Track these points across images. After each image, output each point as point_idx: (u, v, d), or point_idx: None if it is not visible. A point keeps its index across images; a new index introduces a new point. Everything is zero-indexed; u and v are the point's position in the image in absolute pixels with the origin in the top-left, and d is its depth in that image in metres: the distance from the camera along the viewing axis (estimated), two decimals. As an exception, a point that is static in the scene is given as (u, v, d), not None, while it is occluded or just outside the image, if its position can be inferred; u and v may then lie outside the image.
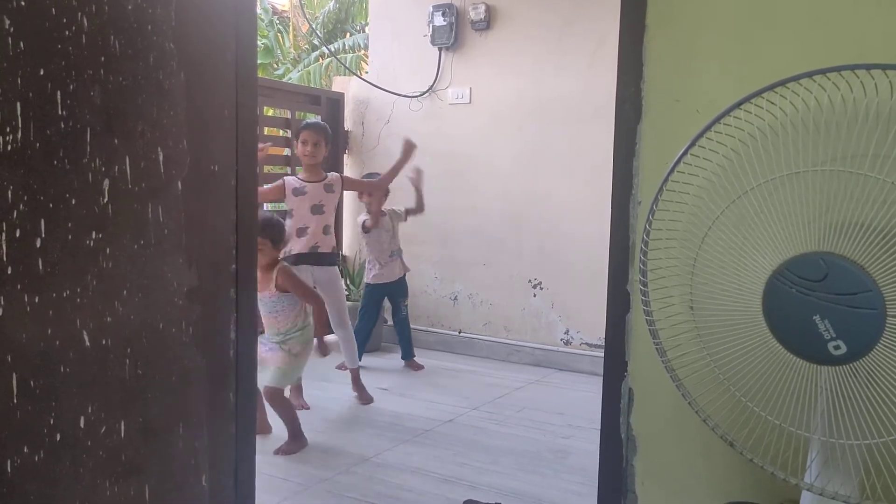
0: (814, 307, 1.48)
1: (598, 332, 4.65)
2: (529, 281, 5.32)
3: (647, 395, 2.10)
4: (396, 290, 5.13)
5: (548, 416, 4.11)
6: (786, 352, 1.54)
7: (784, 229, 1.56)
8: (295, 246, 4.21)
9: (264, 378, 3.50)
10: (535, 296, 5.31)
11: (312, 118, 5.99)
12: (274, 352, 3.62)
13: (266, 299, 3.61)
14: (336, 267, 4.36)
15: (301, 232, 4.21)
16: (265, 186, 4.21)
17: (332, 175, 4.39)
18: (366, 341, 5.14)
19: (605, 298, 2.18)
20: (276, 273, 3.61)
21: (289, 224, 4.21)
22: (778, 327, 1.54)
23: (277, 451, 3.46)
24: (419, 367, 5.10)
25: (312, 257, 4.22)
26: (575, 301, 5.12)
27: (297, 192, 4.21)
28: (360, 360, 4.84)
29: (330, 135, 4.37)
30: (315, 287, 4.21)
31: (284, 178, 4.33)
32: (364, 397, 4.33)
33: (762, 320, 1.56)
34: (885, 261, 1.43)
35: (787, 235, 1.56)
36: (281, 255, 4.18)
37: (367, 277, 5.09)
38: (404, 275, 5.15)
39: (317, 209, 4.23)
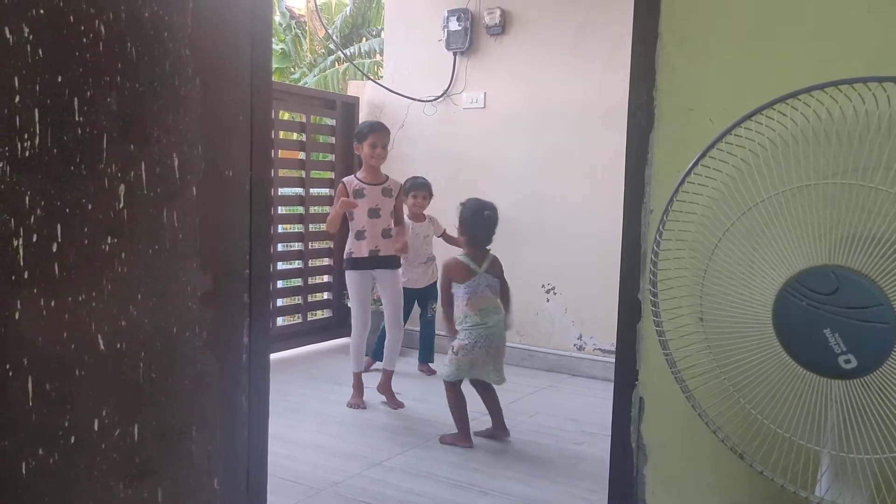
0: (824, 320, 1.47)
1: (611, 338, 4.62)
2: (543, 286, 5.31)
3: (658, 405, 2.10)
4: (426, 294, 5.18)
5: (560, 421, 4.10)
6: (796, 365, 1.54)
7: (795, 241, 1.56)
8: (354, 249, 4.24)
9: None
10: (548, 301, 5.31)
11: (327, 122, 6.01)
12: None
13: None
14: (398, 270, 4.39)
15: (360, 235, 4.24)
16: (334, 208, 4.26)
17: (393, 180, 4.39)
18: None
19: (617, 306, 2.17)
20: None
21: (350, 225, 4.29)
22: (788, 340, 1.54)
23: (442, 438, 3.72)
24: (431, 372, 5.11)
25: (372, 261, 4.25)
26: (588, 306, 5.11)
27: (357, 194, 4.23)
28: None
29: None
30: (375, 287, 4.36)
31: (343, 180, 4.34)
32: (393, 402, 4.36)
33: (772, 333, 1.56)
34: (896, 274, 1.43)
35: (797, 248, 1.55)
36: (345, 256, 4.31)
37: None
38: (435, 281, 5.18)
39: (373, 213, 4.23)
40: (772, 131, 1.66)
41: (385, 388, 4.40)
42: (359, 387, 4.35)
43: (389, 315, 4.40)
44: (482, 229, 3.76)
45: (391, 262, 4.31)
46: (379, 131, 4.29)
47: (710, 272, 1.71)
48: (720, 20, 1.95)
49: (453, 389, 3.74)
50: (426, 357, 5.21)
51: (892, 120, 1.54)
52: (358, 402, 4.30)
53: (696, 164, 1.72)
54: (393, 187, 4.34)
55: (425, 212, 5.06)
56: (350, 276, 4.30)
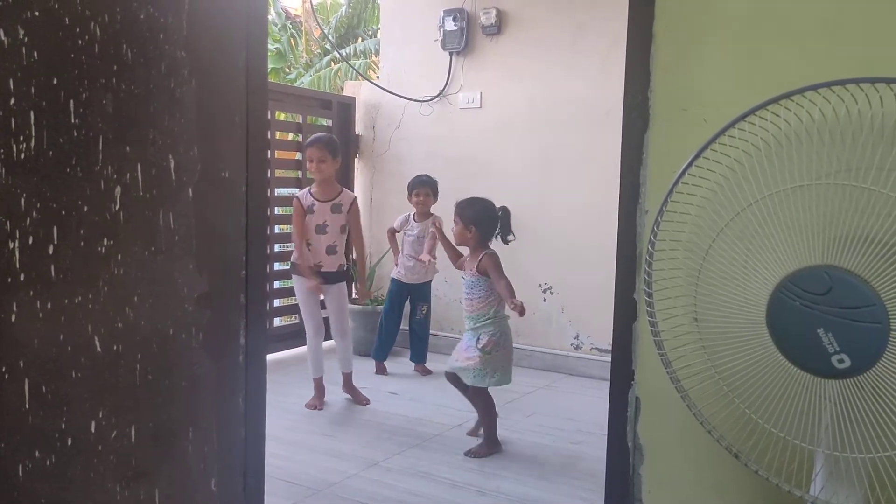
0: (818, 320, 1.48)
1: (608, 337, 4.60)
2: (540, 285, 5.32)
3: (654, 404, 2.11)
4: (417, 293, 5.17)
5: (557, 421, 4.11)
6: (790, 364, 1.55)
7: (788, 242, 1.57)
8: (307, 258, 4.23)
9: (466, 377, 3.62)
10: (545, 300, 5.31)
11: (323, 122, 6.01)
12: (470, 350, 3.64)
13: (466, 278, 3.74)
14: (343, 283, 4.38)
15: (309, 247, 4.25)
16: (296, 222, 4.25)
17: (345, 194, 4.35)
18: (393, 342, 5.20)
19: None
20: (482, 256, 3.69)
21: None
22: (782, 340, 1.54)
23: (468, 453, 3.55)
24: (427, 372, 5.11)
25: (317, 275, 4.24)
26: (585, 305, 5.12)
27: (308, 209, 4.23)
28: (385, 359, 5.10)
29: (336, 146, 4.30)
30: (322, 296, 4.31)
31: (297, 194, 4.32)
32: (358, 398, 4.34)
33: (766, 333, 1.57)
34: (889, 275, 1.43)
35: (791, 248, 1.56)
36: (292, 260, 4.28)
37: (393, 272, 5.18)
38: (430, 281, 5.21)
39: (320, 229, 4.22)
40: (765, 132, 1.67)
41: (348, 387, 4.40)
42: (319, 390, 4.33)
43: (334, 325, 4.38)
44: (497, 226, 3.80)
45: (335, 277, 4.29)
46: (312, 145, 4.23)
47: (705, 273, 1.71)
48: (714, 21, 1.95)
49: (487, 394, 3.70)
50: (420, 357, 5.20)
51: (884, 120, 1.55)
52: (317, 402, 4.29)
53: (690, 164, 1.73)
54: (344, 202, 4.30)
55: (432, 210, 5.03)
56: (297, 283, 4.28)
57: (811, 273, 1.51)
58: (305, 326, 4.34)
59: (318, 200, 4.24)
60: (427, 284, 5.19)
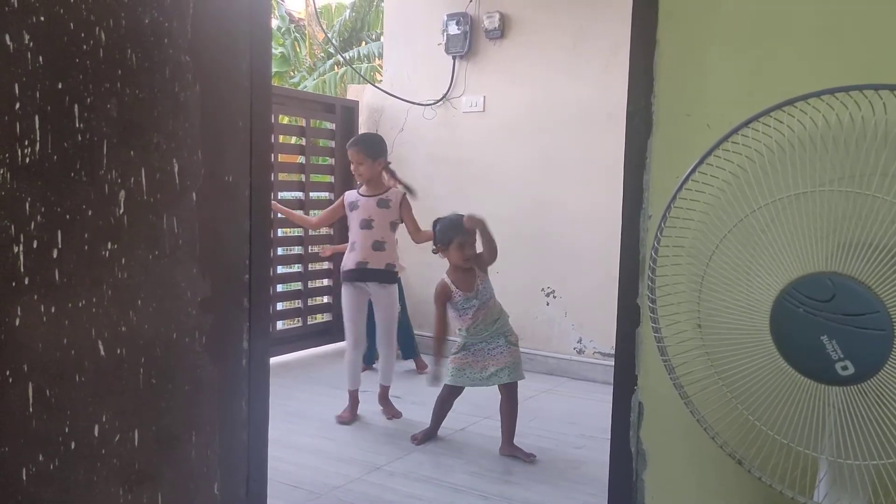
0: (821, 327, 1.48)
1: (611, 341, 4.59)
2: (542, 289, 5.31)
3: (658, 410, 2.10)
4: None
5: (560, 425, 4.10)
6: (794, 371, 1.54)
7: (792, 248, 1.56)
8: (346, 261, 4.17)
9: (503, 377, 3.67)
10: (548, 304, 5.31)
11: (327, 126, 6.01)
12: (501, 349, 3.70)
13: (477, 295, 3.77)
14: (394, 285, 4.24)
15: (351, 247, 4.16)
16: (329, 208, 4.30)
17: (393, 191, 4.25)
18: (369, 342, 5.18)
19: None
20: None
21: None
22: (785, 347, 1.54)
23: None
24: (423, 366, 5.13)
25: (361, 273, 4.11)
26: (588, 309, 5.11)
27: (352, 206, 4.16)
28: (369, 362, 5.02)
29: (370, 147, 4.17)
30: (371, 302, 4.23)
31: (345, 192, 4.30)
32: (389, 412, 4.27)
33: (769, 339, 1.56)
34: (893, 281, 1.43)
35: (794, 255, 1.56)
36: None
37: None
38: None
39: (365, 224, 4.12)
40: (769, 138, 1.67)
41: (383, 399, 4.31)
42: (353, 402, 4.22)
43: (380, 335, 4.27)
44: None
45: (382, 277, 4.15)
46: (349, 148, 4.19)
47: (708, 278, 1.71)
48: (718, 27, 1.95)
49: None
50: (409, 352, 5.22)
51: (888, 127, 1.55)
52: (347, 416, 4.15)
53: (693, 170, 1.73)
54: (392, 198, 4.18)
55: None
56: (342, 290, 4.22)
57: (815, 280, 1.50)
58: (346, 337, 4.24)
59: (362, 196, 4.16)
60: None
